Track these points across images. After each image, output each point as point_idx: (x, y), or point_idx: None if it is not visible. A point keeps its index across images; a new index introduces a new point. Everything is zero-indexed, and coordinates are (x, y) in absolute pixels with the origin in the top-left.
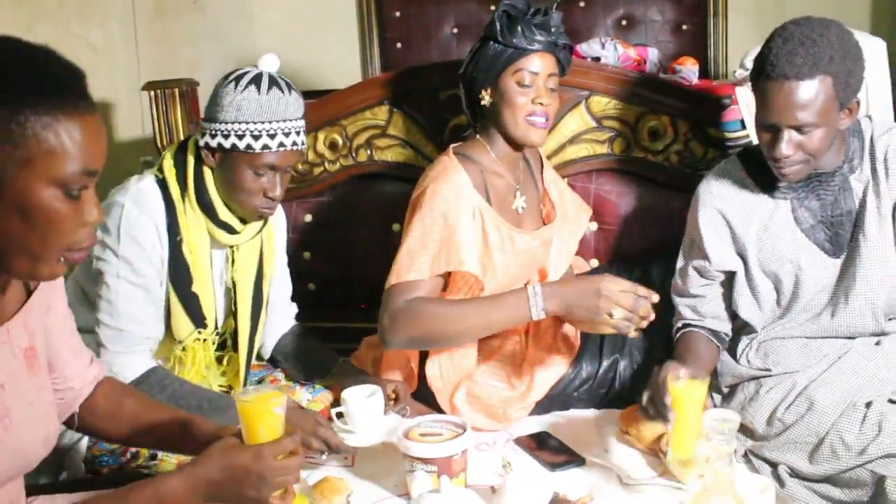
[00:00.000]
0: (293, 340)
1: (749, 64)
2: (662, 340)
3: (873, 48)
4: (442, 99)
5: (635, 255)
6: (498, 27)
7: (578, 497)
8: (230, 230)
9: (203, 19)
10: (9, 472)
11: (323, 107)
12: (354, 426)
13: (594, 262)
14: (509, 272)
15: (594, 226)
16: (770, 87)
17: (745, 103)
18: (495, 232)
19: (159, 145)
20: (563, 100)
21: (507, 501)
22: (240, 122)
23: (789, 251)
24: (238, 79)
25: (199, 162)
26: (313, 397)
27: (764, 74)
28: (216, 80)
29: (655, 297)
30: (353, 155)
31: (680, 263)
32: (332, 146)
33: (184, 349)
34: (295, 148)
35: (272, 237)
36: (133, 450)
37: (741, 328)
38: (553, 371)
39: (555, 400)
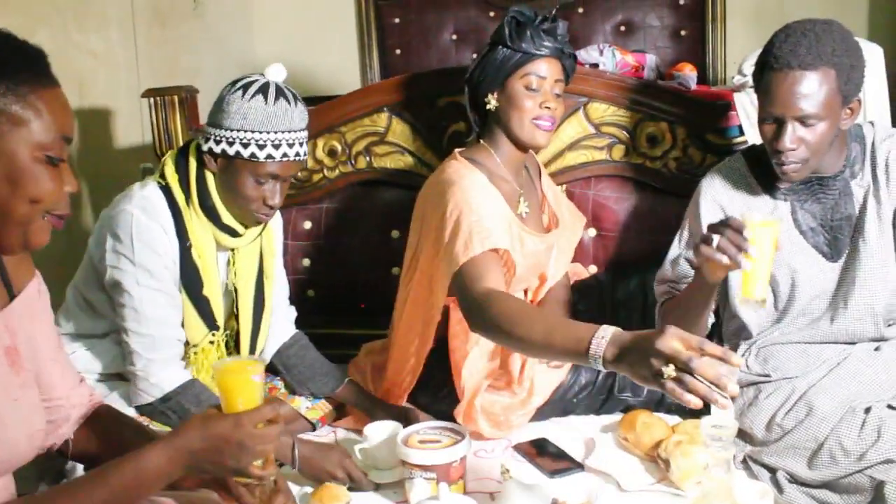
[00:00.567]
0: (297, 353)
1: (747, 70)
2: None
3: (871, 54)
4: (441, 106)
5: (634, 261)
6: (507, 32)
7: (577, 503)
8: (233, 233)
9: (203, 26)
10: None
11: (322, 114)
12: (376, 462)
13: (593, 269)
14: (516, 272)
15: (593, 232)
16: (774, 78)
17: (743, 109)
18: (508, 229)
19: (159, 152)
20: None
21: None
22: (245, 131)
23: (786, 253)
24: (246, 87)
25: (201, 166)
26: (312, 405)
27: (768, 67)
28: (216, 87)
29: (737, 360)
30: (353, 162)
31: (672, 254)
32: (332, 153)
33: (196, 353)
34: (297, 158)
35: (271, 239)
36: None
37: (738, 332)
38: (553, 375)
39: (554, 406)
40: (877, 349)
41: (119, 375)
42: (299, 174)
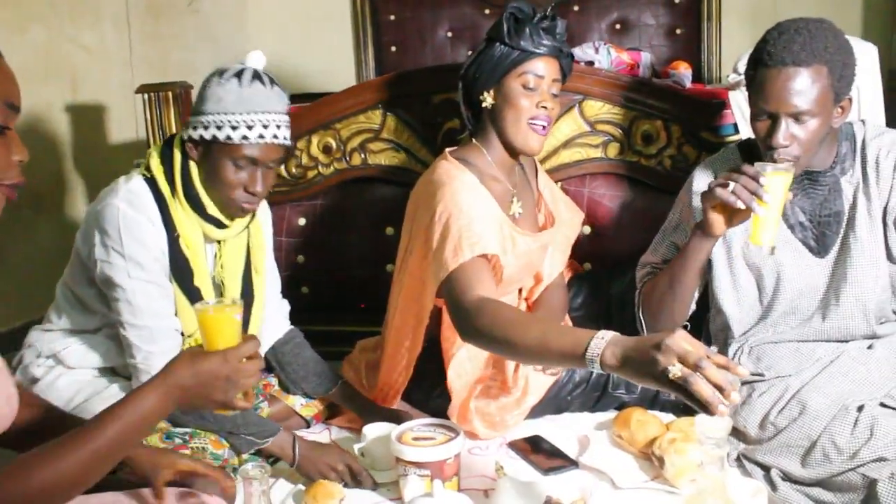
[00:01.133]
0: (292, 350)
1: (742, 68)
2: None
3: (865, 53)
4: (436, 103)
5: (628, 258)
6: (505, 29)
7: (571, 501)
8: (219, 224)
9: (197, 22)
10: None
11: (317, 110)
12: (375, 462)
13: (587, 266)
14: (507, 273)
15: (587, 229)
16: (768, 75)
17: (738, 107)
18: (498, 231)
19: None
20: None
21: None
22: (220, 113)
23: None
24: (222, 72)
25: (186, 157)
26: (307, 402)
27: (761, 64)
28: None
29: (743, 372)
30: (347, 158)
31: (657, 240)
32: (326, 149)
33: (189, 343)
34: (276, 141)
35: (260, 233)
36: None
37: (724, 328)
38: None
39: (548, 404)
40: (869, 347)
41: (113, 370)
42: (293, 170)
